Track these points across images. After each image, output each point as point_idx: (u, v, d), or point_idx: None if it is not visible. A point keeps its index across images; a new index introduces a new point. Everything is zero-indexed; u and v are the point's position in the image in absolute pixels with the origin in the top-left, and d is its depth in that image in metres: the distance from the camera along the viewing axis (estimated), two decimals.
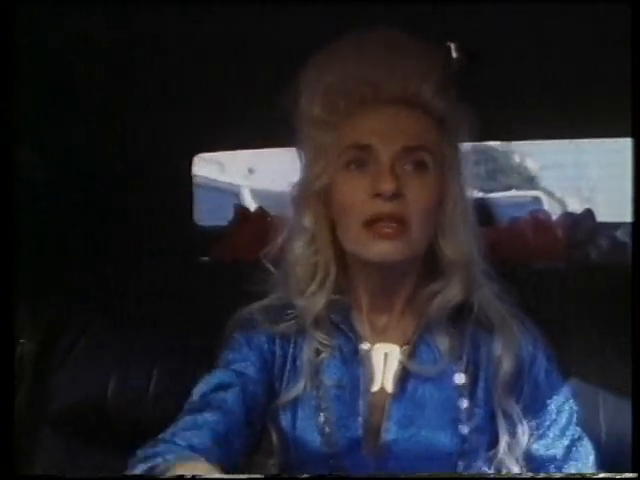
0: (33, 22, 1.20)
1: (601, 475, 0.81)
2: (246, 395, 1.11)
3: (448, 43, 1.41)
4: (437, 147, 1.12)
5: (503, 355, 1.14)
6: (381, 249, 1.08)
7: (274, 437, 1.16)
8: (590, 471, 1.14)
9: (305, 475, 0.77)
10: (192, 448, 1.00)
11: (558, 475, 1.09)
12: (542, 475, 1.07)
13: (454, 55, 1.43)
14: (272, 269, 1.17)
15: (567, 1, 1.26)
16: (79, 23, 1.36)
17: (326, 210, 1.15)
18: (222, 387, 1.10)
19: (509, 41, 1.49)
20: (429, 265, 1.16)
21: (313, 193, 1.16)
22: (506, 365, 1.14)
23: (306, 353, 1.15)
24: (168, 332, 1.67)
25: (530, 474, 1.12)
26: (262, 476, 0.91)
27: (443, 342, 1.14)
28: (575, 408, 1.19)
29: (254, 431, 1.12)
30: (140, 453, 0.99)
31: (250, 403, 1.11)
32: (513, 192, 9.40)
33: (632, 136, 1.04)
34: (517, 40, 1.48)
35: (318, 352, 1.15)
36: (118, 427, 1.62)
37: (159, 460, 0.94)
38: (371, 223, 1.08)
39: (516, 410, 1.14)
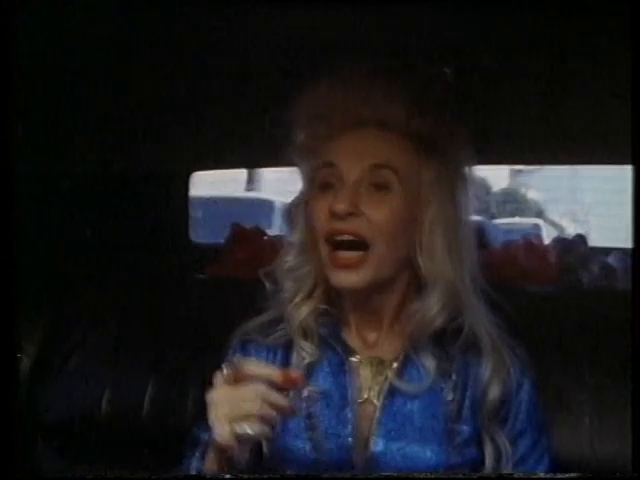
0: (33, 23, 1.20)
1: (601, 475, 0.81)
2: None
3: (439, 64, 1.43)
4: (408, 168, 1.13)
5: (491, 382, 1.15)
6: (343, 279, 1.11)
7: (263, 445, 1.16)
8: None
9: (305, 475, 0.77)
10: None
11: (558, 475, 1.10)
12: (540, 475, 1.07)
13: (445, 75, 1.44)
14: (267, 284, 1.20)
15: (565, 18, 1.27)
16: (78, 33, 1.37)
17: (311, 228, 1.18)
18: None
19: (505, 63, 1.50)
20: (414, 281, 1.17)
21: (298, 210, 1.20)
22: (493, 392, 1.15)
23: (293, 361, 1.18)
24: (162, 347, 1.69)
25: (529, 474, 1.13)
26: (264, 476, 0.92)
27: (429, 361, 1.15)
28: (551, 441, 1.20)
29: None
30: None
31: None
32: (514, 219, 9.47)
33: (632, 163, 1.05)
34: (514, 63, 1.49)
35: (304, 360, 1.17)
36: (111, 440, 1.62)
37: None
38: (333, 242, 1.11)
39: (502, 438, 1.15)
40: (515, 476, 1.11)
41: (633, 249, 1.11)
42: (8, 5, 1.00)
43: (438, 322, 1.14)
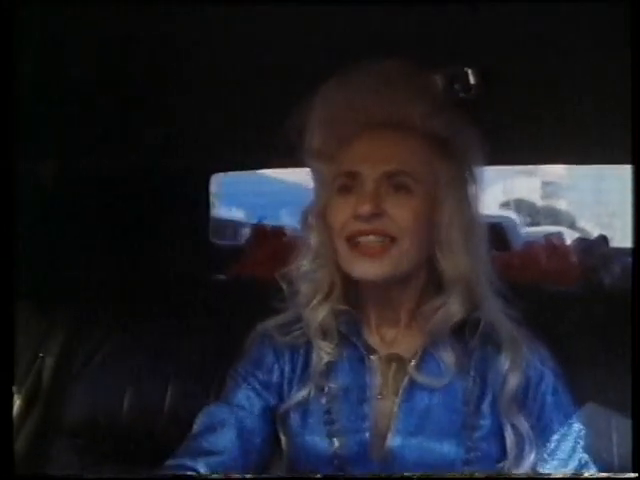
0: (34, 22, 1.21)
1: (601, 475, 0.81)
2: (264, 415, 1.19)
3: (457, 66, 1.42)
4: (425, 169, 1.15)
5: (510, 371, 1.16)
6: (365, 268, 1.12)
7: (283, 440, 1.19)
8: None
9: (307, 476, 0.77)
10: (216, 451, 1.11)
11: (559, 475, 1.09)
12: (544, 475, 1.07)
13: (464, 78, 1.44)
14: (284, 287, 1.21)
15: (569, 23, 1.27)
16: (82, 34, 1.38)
17: (328, 231, 1.19)
18: (240, 407, 1.18)
19: (515, 64, 1.49)
20: (432, 279, 1.18)
21: (316, 214, 1.21)
22: (513, 381, 1.15)
23: (313, 360, 1.19)
24: (184, 348, 1.69)
25: (532, 474, 1.12)
26: (268, 476, 0.92)
27: (448, 356, 1.16)
28: (583, 432, 1.19)
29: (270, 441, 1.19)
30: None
31: (267, 414, 1.18)
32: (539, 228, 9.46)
33: (632, 163, 1.05)
34: (523, 64, 1.49)
35: (323, 360, 1.18)
36: (132, 441, 1.64)
37: None
38: (355, 241, 1.13)
39: (525, 426, 1.15)
40: (515, 475, 1.11)
41: (633, 249, 1.10)
42: (8, 5, 1.01)
43: (457, 317, 1.15)
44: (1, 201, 0.99)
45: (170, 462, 1.10)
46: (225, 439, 1.14)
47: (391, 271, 1.12)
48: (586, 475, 1.10)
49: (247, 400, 1.19)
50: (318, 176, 1.23)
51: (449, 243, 1.15)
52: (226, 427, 1.15)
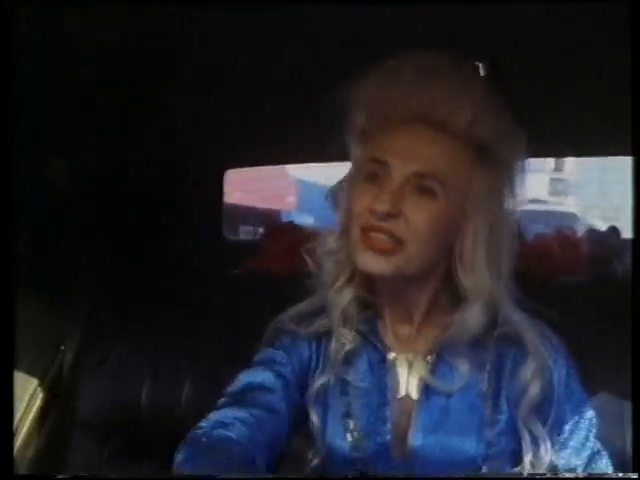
0: (35, 22, 1.21)
1: (601, 475, 0.81)
2: (289, 401, 1.15)
3: (475, 63, 1.42)
4: (458, 177, 1.11)
5: (533, 378, 1.13)
6: (370, 261, 1.10)
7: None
8: None
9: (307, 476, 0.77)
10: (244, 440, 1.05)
11: (561, 475, 1.10)
12: (545, 475, 1.08)
13: (481, 73, 1.43)
14: (310, 264, 1.19)
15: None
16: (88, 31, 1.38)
17: (350, 213, 1.15)
18: (266, 388, 1.14)
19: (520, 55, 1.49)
20: (449, 287, 1.16)
21: (342, 194, 1.19)
22: (535, 388, 1.13)
23: (333, 346, 1.17)
24: (201, 342, 1.71)
25: (531, 474, 1.13)
26: (268, 476, 0.93)
27: (463, 360, 1.15)
28: (594, 421, 1.18)
29: (293, 435, 1.16)
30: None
31: (292, 409, 1.15)
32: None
33: (632, 154, 1.05)
34: (525, 54, 1.49)
35: (345, 347, 1.17)
36: (150, 434, 1.66)
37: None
38: (367, 233, 1.10)
39: (542, 432, 1.14)
40: (520, 476, 1.11)
41: (633, 240, 1.09)
42: (8, 5, 1.01)
43: (476, 331, 1.13)
44: (1, 201, 0.99)
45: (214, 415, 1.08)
46: (278, 402, 1.13)
47: (394, 270, 1.09)
48: (586, 475, 1.10)
49: (287, 374, 1.17)
50: (353, 156, 1.19)
51: (471, 259, 1.12)
52: (276, 392, 1.14)
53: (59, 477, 0.87)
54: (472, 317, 1.12)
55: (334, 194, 1.22)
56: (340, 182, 1.21)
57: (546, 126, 1.77)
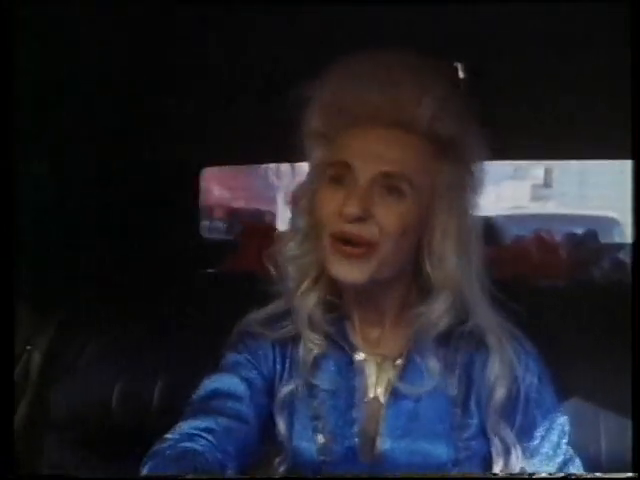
0: (34, 22, 1.20)
1: (601, 475, 0.81)
2: (257, 407, 1.13)
3: (454, 63, 1.41)
4: (423, 173, 1.10)
5: (497, 381, 1.13)
6: (344, 270, 1.08)
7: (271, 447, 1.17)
8: None
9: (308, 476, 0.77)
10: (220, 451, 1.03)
11: (558, 475, 1.09)
12: (542, 475, 1.07)
13: (460, 75, 1.43)
14: (272, 270, 1.18)
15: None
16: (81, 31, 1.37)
17: (316, 218, 1.14)
18: (232, 395, 1.12)
19: (516, 64, 1.49)
20: (418, 282, 1.15)
21: (305, 198, 1.17)
22: (500, 392, 1.13)
23: (300, 352, 1.16)
24: (174, 341, 1.69)
25: (530, 474, 1.12)
26: (265, 477, 0.92)
27: (432, 362, 1.14)
28: (567, 427, 1.18)
29: (262, 441, 1.14)
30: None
31: (260, 415, 1.13)
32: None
33: (632, 158, 1.05)
34: (523, 63, 1.49)
35: (312, 352, 1.16)
36: (122, 434, 1.63)
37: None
38: (337, 241, 1.08)
39: (511, 437, 1.14)
40: (518, 476, 1.10)
41: (633, 244, 1.10)
42: (8, 5, 1.00)
43: (442, 325, 1.12)
44: (1, 201, 0.99)
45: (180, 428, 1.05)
46: (246, 410, 1.10)
47: (370, 276, 1.08)
48: (586, 475, 1.10)
49: (254, 379, 1.15)
50: (312, 159, 1.17)
51: (440, 254, 1.11)
52: (244, 400, 1.11)
53: (59, 477, 0.85)
54: (439, 308, 1.11)
55: (296, 199, 1.19)
56: (301, 185, 1.19)
57: (546, 127, 1.78)
